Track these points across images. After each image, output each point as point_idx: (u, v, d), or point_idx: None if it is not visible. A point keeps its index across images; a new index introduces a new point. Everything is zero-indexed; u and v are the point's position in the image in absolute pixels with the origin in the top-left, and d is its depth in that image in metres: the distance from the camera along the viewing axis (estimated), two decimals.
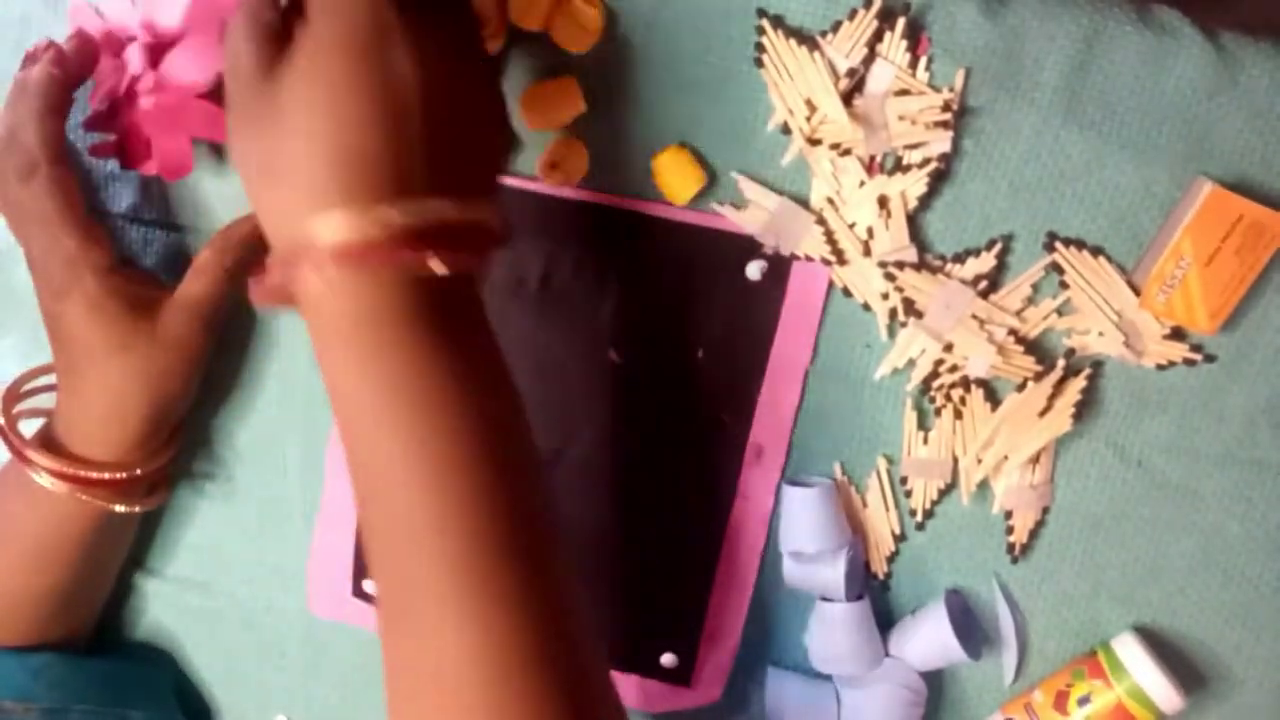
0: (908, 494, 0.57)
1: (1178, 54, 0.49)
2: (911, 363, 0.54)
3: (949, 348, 0.53)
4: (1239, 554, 0.56)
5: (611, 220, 0.53)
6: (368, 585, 0.61)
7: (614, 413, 0.56)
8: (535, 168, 0.52)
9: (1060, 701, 0.57)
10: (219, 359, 0.58)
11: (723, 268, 0.53)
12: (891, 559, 0.58)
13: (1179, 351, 0.53)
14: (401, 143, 0.38)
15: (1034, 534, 0.57)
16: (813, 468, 0.57)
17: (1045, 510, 0.57)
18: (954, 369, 0.54)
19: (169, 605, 0.65)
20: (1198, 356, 0.53)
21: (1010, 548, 0.57)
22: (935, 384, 0.55)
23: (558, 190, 0.53)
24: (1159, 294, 0.51)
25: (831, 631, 0.56)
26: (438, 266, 0.37)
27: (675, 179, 0.51)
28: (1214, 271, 0.50)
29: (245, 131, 0.39)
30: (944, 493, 0.57)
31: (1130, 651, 0.56)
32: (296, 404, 0.59)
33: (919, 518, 0.57)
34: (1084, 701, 0.56)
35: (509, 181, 0.53)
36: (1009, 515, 0.57)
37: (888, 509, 0.57)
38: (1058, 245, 0.52)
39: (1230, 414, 0.54)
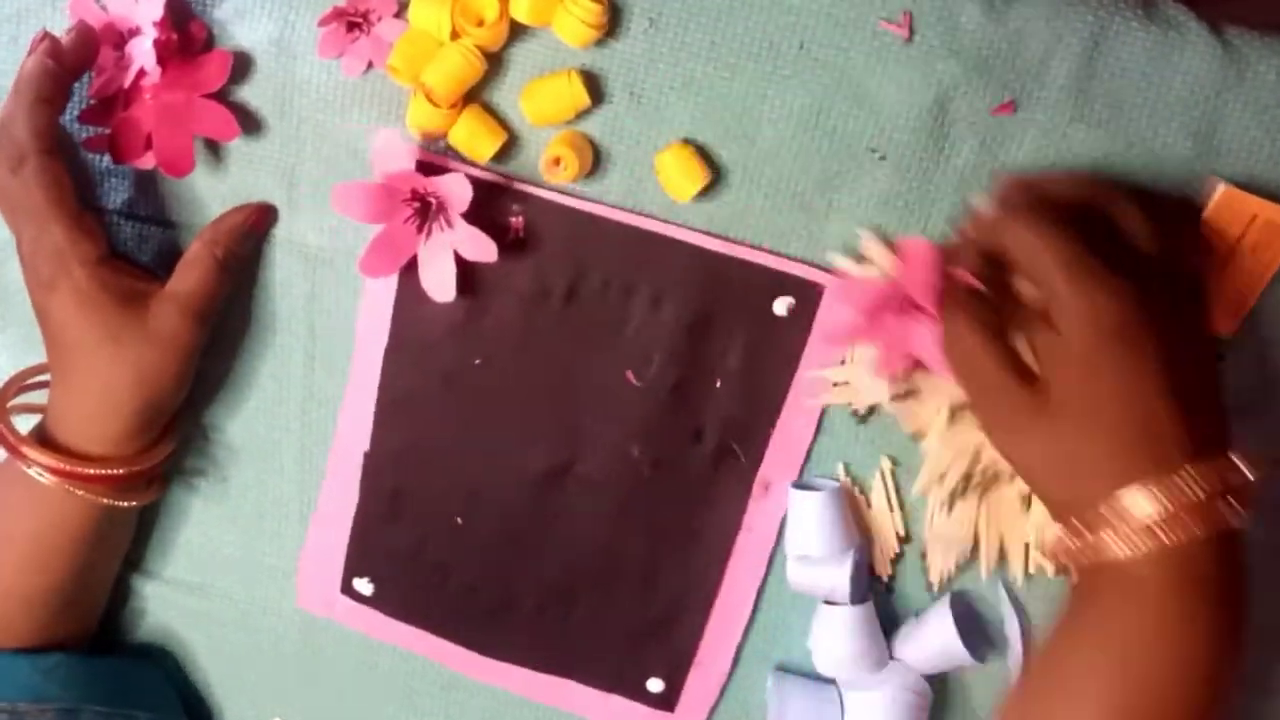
0: (925, 569, 0.56)
1: (1184, 50, 0.48)
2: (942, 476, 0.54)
3: (979, 455, 0.53)
4: (1249, 554, 0.55)
5: (642, 241, 0.52)
6: (358, 584, 0.60)
7: (625, 434, 0.55)
8: (539, 166, 0.50)
9: None
10: (215, 358, 0.57)
11: (750, 300, 0.52)
12: (895, 561, 0.57)
13: None
14: (1180, 407, 0.40)
15: None
16: (818, 468, 0.56)
17: None
18: (986, 469, 0.54)
19: (166, 607, 0.64)
20: None
21: None
22: (971, 483, 0.54)
23: (592, 206, 0.52)
24: None
25: (835, 635, 0.55)
26: (1238, 520, 0.39)
27: (678, 176, 0.50)
28: (1231, 271, 0.49)
29: (1017, 436, 0.43)
30: (962, 568, 0.56)
31: None
32: (293, 404, 0.58)
33: (935, 590, 0.57)
34: None
35: (539, 192, 0.52)
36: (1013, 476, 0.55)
37: (892, 510, 0.56)
38: None
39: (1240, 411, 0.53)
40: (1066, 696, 0.42)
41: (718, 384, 0.54)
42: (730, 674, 0.59)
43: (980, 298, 0.45)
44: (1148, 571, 0.40)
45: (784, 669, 0.59)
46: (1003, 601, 0.57)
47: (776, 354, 0.53)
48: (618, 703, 0.61)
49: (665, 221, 0.52)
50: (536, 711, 0.62)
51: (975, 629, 0.57)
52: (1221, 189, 0.48)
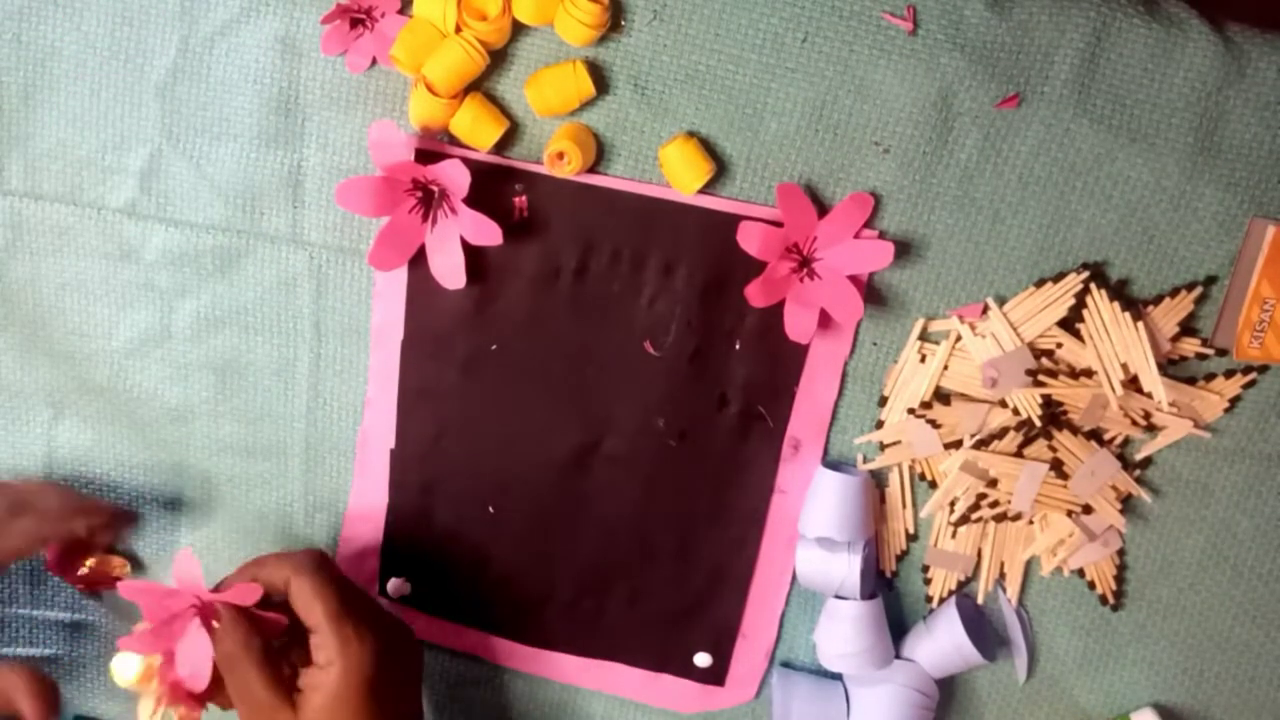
0: (926, 581, 0.54)
1: (1185, 47, 0.47)
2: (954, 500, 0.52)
3: (993, 483, 0.51)
4: (1249, 549, 0.53)
5: (649, 209, 0.50)
6: (391, 585, 0.58)
7: (649, 406, 0.53)
8: (542, 156, 0.48)
9: None
10: (220, 359, 0.54)
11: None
12: (901, 558, 0.54)
13: (1192, 348, 0.50)
14: None
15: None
16: (845, 425, 0.53)
17: None
18: (995, 504, 0.52)
19: None
20: (1210, 351, 0.49)
21: None
22: (974, 515, 0.52)
23: (594, 179, 0.49)
24: (1252, 340, 0.48)
25: (843, 629, 0.52)
26: None
27: (682, 169, 0.47)
28: None
29: None
30: (963, 584, 0.54)
31: None
32: (299, 404, 0.55)
33: (933, 604, 0.54)
34: None
35: (541, 169, 0.49)
36: (1017, 516, 0.53)
37: (904, 507, 0.53)
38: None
39: (1241, 408, 0.51)
40: None
41: (737, 346, 0.51)
42: (776, 641, 0.56)
43: (249, 619, 0.48)
44: None
45: (786, 664, 0.56)
46: (1001, 599, 0.54)
47: None
48: (667, 681, 0.57)
49: (662, 185, 0.50)
50: (583, 697, 0.59)
51: (982, 628, 0.54)
52: (1272, 231, 0.46)
